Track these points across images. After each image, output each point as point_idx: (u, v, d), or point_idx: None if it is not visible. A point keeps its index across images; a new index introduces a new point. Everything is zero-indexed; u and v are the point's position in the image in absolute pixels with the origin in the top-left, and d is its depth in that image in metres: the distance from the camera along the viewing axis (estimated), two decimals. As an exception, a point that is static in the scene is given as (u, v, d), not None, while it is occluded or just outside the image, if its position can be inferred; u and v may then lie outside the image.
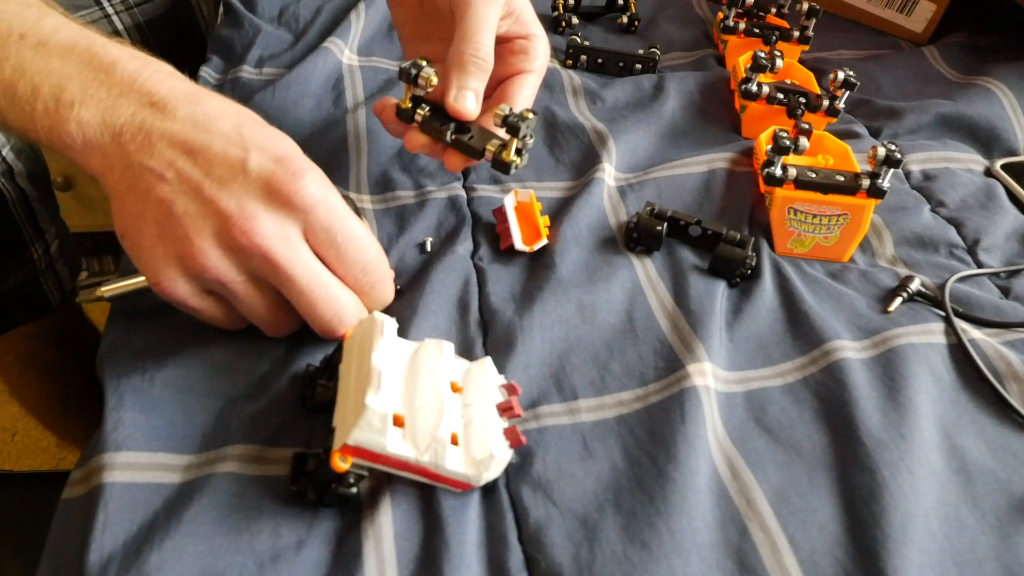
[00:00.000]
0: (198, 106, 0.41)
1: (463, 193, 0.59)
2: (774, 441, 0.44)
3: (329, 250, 0.43)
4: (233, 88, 0.68)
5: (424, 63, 0.50)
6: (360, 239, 0.43)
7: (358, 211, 0.46)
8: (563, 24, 0.81)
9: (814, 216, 0.57)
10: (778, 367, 0.49)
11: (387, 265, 0.46)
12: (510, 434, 0.41)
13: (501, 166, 0.51)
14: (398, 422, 0.39)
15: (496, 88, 0.56)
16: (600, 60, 0.74)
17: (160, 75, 0.42)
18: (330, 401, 0.41)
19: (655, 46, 0.75)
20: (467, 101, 0.50)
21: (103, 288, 0.46)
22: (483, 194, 0.60)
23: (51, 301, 0.80)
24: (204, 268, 0.40)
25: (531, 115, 0.50)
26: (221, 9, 0.79)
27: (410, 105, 0.52)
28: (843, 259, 0.58)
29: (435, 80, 0.50)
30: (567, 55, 0.74)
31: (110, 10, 0.77)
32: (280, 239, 0.40)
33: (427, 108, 0.52)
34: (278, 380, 0.45)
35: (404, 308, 0.49)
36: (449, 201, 0.58)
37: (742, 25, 0.75)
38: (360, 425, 0.37)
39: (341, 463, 0.37)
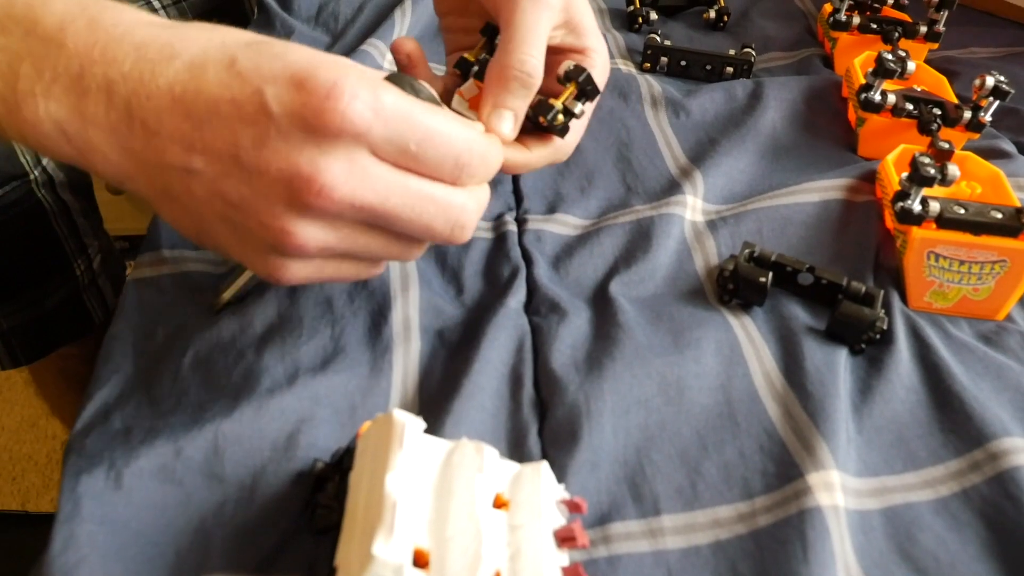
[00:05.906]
0: (177, 59, 0.32)
1: (514, 228, 0.49)
2: (930, 588, 0.33)
3: (409, 161, 0.34)
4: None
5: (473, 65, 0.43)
6: (436, 135, 0.34)
7: (416, 90, 0.37)
8: (639, 21, 0.70)
9: (961, 263, 0.45)
10: (925, 472, 0.37)
11: (479, 143, 0.36)
12: (570, 575, 0.31)
13: (554, 129, 0.43)
14: (421, 561, 0.29)
15: None
16: (684, 63, 0.64)
17: (119, 27, 0.33)
18: (336, 524, 0.31)
19: (749, 45, 0.65)
20: (503, 123, 0.41)
21: (224, 294, 0.44)
22: (535, 227, 0.49)
23: (95, 320, 0.74)
24: (301, 248, 0.34)
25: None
26: (256, 9, 0.70)
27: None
28: (997, 317, 0.46)
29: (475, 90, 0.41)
30: (644, 57, 0.64)
31: (156, 4, 0.70)
32: (357, 178, 0.33)
33: None
34: (278, 477, 0.36)
35: (442, 383, 0.39)
36: (497, 241, 0.48)
37: (856, 19, 0.63)
38: (365, 580, 0.27)
39: (341, 625, 0.28)
